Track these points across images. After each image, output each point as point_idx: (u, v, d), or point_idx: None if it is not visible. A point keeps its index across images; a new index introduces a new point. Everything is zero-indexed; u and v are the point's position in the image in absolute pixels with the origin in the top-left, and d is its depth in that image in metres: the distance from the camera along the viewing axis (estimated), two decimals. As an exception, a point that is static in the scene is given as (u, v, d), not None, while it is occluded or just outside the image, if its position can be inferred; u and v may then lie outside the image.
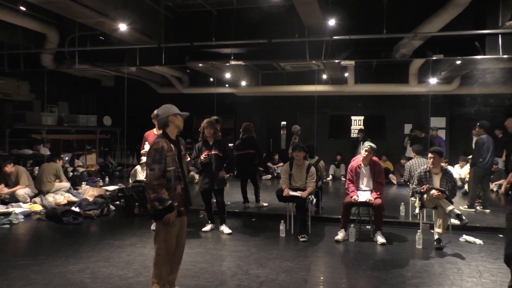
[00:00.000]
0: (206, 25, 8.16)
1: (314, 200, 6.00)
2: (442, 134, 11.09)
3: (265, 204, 7.53)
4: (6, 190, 7.24)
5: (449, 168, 7.21)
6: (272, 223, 6.37)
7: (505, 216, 3.12)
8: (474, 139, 8.06)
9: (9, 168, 7.30)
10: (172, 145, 3.35)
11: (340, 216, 5.72)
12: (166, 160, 3.26)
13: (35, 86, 10.30)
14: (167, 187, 3.27)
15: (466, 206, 7.37)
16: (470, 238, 5.56)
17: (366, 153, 5.66)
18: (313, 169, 5.93)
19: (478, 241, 5.49)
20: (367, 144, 5.77)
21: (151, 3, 7.86)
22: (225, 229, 5.85)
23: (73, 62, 9.13)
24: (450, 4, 6.53)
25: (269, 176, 11.71)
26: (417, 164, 6.66)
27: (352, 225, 5.61)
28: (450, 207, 5.18)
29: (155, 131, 5.88)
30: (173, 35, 8.81)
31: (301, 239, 5.47)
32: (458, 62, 8.83)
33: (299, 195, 5.65)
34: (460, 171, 10.00)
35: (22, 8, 7.19)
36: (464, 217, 5.21)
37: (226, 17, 8.11)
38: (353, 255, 5.03)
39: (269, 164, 12.14)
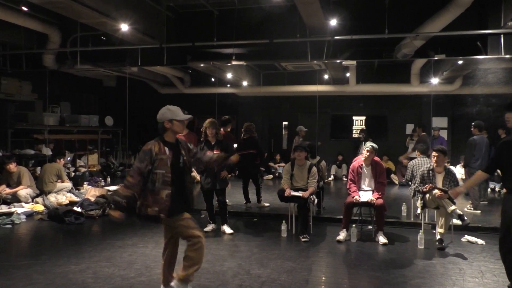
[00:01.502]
0: (208, 25, 8.17)
1: (316, 200, 5.99)
2: (444, 134, 11.07)
3: (267, 204, 7.52)
4: (7, 191, 7.26)
5: (451, 168, 7.22)
6: (273, 223, 6.37)
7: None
8: None
9: (12, 166, 7.32)
10: (166, 148, 3.28)
11: (341, 216, 5.72)
12: (155, 163, 3.20)
13: (37, 86, 10.32)
14: (149, 189, 3.21)
15: (472, 208, 7.34)
16: (472, 238, 5.55)
17: (368, 153, 5.66)
18: (314, 169, 5.92)
19: (480, 241, 5.47)
20: (369, 144, 5.77)
21: (152, 3, 7.87)
22: (226, 229, 5.85)
23: (75, 62, 9.15)
24: (452, 4, 6.53)
25: (271, 176, 11.71)
26: (420, 163, 6.64)
27: (353, 225, 5.61)
28: (452, 207, 5.17)
29: None
30: (174, 35, 8.82)
31: (303, 239, 5.47)
32: (460, 62, 8.82)
33: (301, 195, 5.64)
34: (462, 171, 9.98)
35: (24, 9, 7.22)
36: (466, 217, 5.20)
37: (227, 17, 8.12)
38: (355, 255, 5.03)
39: (271, 164, 12.13)
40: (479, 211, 7.24)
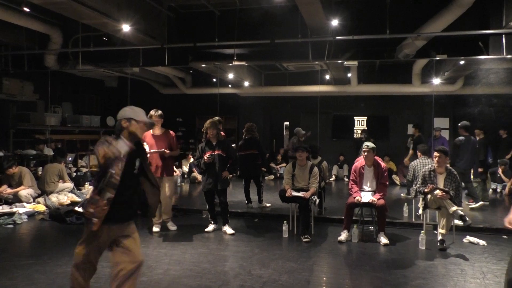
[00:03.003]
0: (209, 26, 8.17)
1: (317, 201, 5.99)
2: (445, 134, 11.06)
3: (268, 205, 7.53)
4: (9, 191, 7.27)
5: (453, 168, 7.24)
6: (275, 223, 6.37)
7: None
8: (477, 139, 8.08)
9: (13, 170, 7.34)
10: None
11: (343, 217, 5.72)
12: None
13: (39, 87, 10.34)
14: (95, 185, 2.85)
15: (473, 203, 7.43)
16: (474, 239, 5.54)
17: (366, 153, 5.63)
18: (316, 169, 5.92)
19: (482, 242, 5.46)
20: (365, 144, 5.74)
21: (154, 3, 7.87)
22: (228, 229, 5.86)
23: (76, 62, 9.16)
24: (454, 4, 6.51)
25: (272, 176, 11.71)
26: (422, 164, 6.65)
27: (355, 226, 5.60)
28: (454, 208, 5.16)
29: (151, 131, 5.86)
30: (176, 35, 8.82)
31: (304, 240, 5.47)
32: (462, 62, 8.80)
33: (302, 195, 5.64)
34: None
35: (26, 9, 7.23)
36: (467, 218, 5.19)
37: (229, 17, 8.11)
38: (356, 255, 5.02)
39: (272, 165, 12.14)
40: (480, 203, 7.29)
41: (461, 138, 7.47)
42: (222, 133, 6.37)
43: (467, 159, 7.37)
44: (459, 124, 7.68)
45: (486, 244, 5.43)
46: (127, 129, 2.89)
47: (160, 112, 5.85)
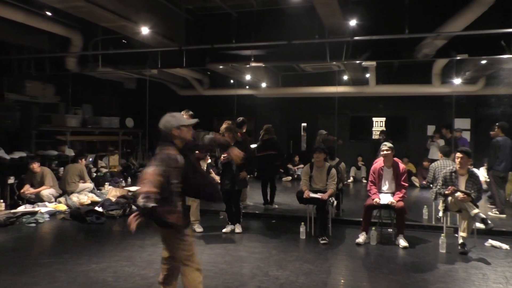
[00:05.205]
0: (226, 27, 8.21)
1: (335, 202, 5.95)
2: (466, 135, 10.83)
3: (276, 206, 7.49)
4: (31, 190, 7.44)
5: (475, 170, 7.05)
6: (292, 225, 6.34)
7: None
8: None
9: (36, 166, 7.50)
10: (179, 156, 2.96)
11: (361, 219, 5.66)
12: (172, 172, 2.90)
13: (60, 89, 10.57)
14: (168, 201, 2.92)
15: (497, 212, 7.12)
16: (496, 243, 5.41)
17: (386, 152, 5.56)
18: (333, 171, 5.88)
19: (505, 246, 5.33)
20: (384, 143, 5.68)
21: (172, 6, 7.96)
22: (236, 228, 5.92)
23: (96, 65, 9.33)
24: (475, 3, 6.38)
25: (289, 177, 11.68)
26: (442, 166, 6.50)
27: (373, 228, 5.54)
28: (475, 211, 5.04)
29: None
30: (193, 37, 8.89)
31: (322, 242, 5.43)
32: (483, 61, 8.62)
33: (320, 197, 5.61)
34: (485, 174, 9.73)
35: (48, 13, 7.39)
36: (489, 221, 5.07)
37: (245, 19, 8.14)
38: (374, 258, 4.96)
39: (290, 166, 12.10)
40: (505, 215, 7.03)
41: (499, 138, 7.05)
42: (239, 134, 6.38)
43: (507, 162, 6.99)
44: (497, 124, 7.22)
45: (509, 248, 5.30)
46: (179, 136, 3.00)
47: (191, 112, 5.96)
